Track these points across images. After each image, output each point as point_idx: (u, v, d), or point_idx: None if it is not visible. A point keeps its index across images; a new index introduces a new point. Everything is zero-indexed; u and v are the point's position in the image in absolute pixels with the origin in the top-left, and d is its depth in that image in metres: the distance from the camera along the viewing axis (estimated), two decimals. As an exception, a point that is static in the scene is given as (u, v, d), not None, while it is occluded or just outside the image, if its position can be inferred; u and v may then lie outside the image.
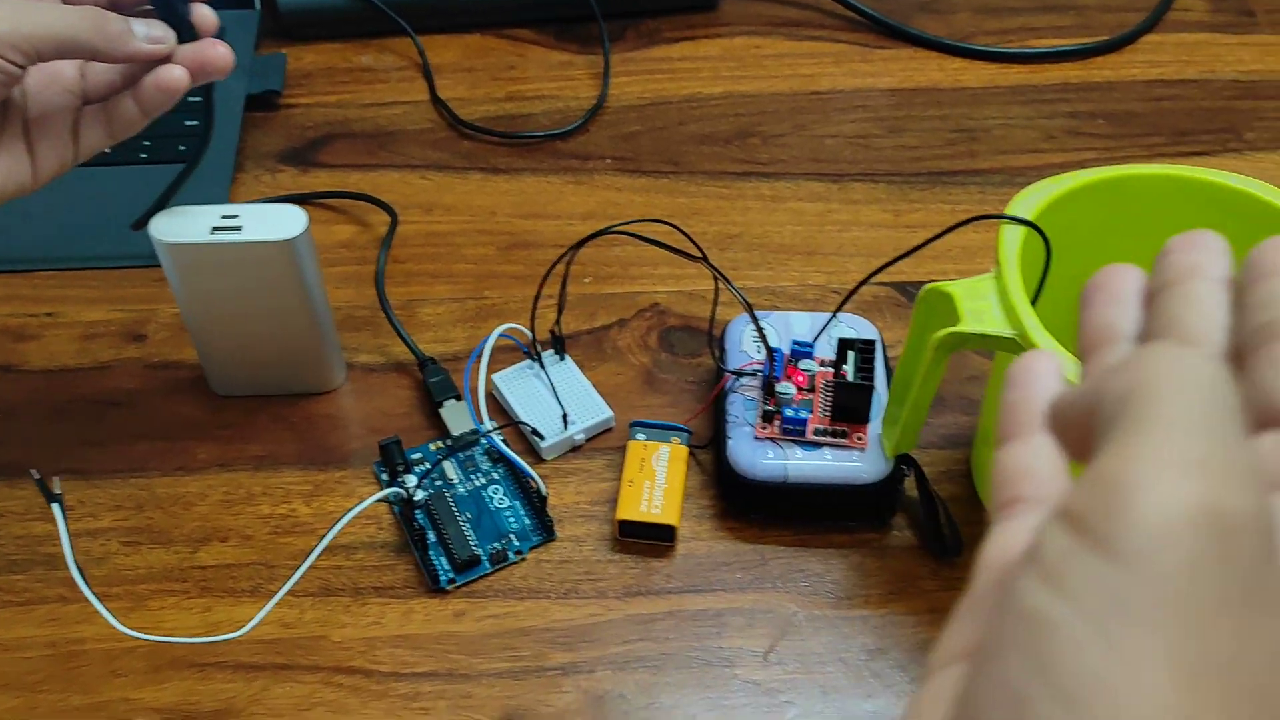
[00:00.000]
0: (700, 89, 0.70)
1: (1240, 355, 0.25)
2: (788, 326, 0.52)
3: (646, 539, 0.48)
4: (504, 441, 0.51)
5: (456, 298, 0.59)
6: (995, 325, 0.41)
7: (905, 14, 0.75)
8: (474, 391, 0.52)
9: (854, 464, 0.47)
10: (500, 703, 0.44)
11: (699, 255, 0.49)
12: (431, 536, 0.48)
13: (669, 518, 0.48)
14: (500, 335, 0.53)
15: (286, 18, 0.72)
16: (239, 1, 0.72)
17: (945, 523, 0.48)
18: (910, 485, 0.49)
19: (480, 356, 0.51)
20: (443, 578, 0.47)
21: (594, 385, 0.54)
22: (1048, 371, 0.26)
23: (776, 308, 0.58)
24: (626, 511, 0.48)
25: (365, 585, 0.47)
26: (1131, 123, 0.68)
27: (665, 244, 0.51)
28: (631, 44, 0.73)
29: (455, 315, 0.58)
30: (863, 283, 0.47)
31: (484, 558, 0.47)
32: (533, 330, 0.54)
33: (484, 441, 0.51)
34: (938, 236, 0.44)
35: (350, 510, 0.46)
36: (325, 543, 0.45)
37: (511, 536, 0.48)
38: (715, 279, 0.51)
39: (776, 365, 0.49)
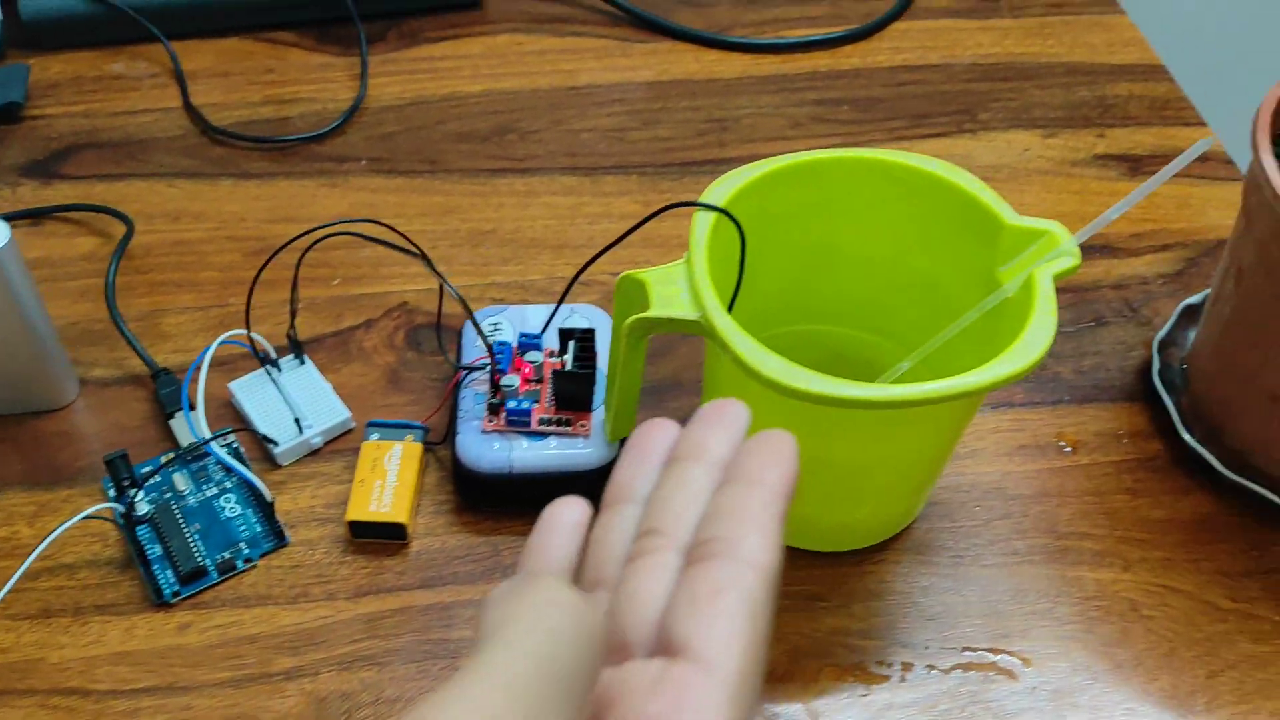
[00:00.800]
0: (460, 87, 0.71)
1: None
2: (524, 319, 0.53)
3: (379, 538, 0.49)
4: (238, 449, 0.51)
5: (201, 306, 0.58)
6: (682, 309, 0.42)
7: (666, 8, 0.77)
8: (199, 401, 0.51)
9: (578, 451, 0.49)
10: (221, 712, 0.44)
11: (417, 253, 0.49)
12: (157, 550, 0.47)
13: (398, 515, 0.48)
14: (237, 343, 0.53)
15: (32, 27, 0.70)
16: (-22, 10, 0.70)
17: (672, 503, 0.49)
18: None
19: (200, 366, 0.50)
20: (166, 591, 0.46)
21: (336, 387, 0.54)
22: (569, 523, 0.33)
23: (526, 301, 0.59)
24: (356, 512, 0.48)
25: (87, 604, 0.47)
26: (875, 108, 0.71)
27: (389, 242, 0.51)
28: (393, 44, 0.73)
29: (198, 324, 0.57)
30: (577, 276, 0.48)
31: (210, 568, 0.47)
32: (290, 334, 0.53)
33: (218, 451, 0.50)
34: (636, 227, 0.46)
35: (57, 529, 0.45)
36: (28, 563, 0.44)
37: (241, 545, 0.48)
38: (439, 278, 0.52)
39: (504, 358, 0.50)
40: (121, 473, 0.49)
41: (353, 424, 0.53)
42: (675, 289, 0.43)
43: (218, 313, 0.57)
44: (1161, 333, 0.57)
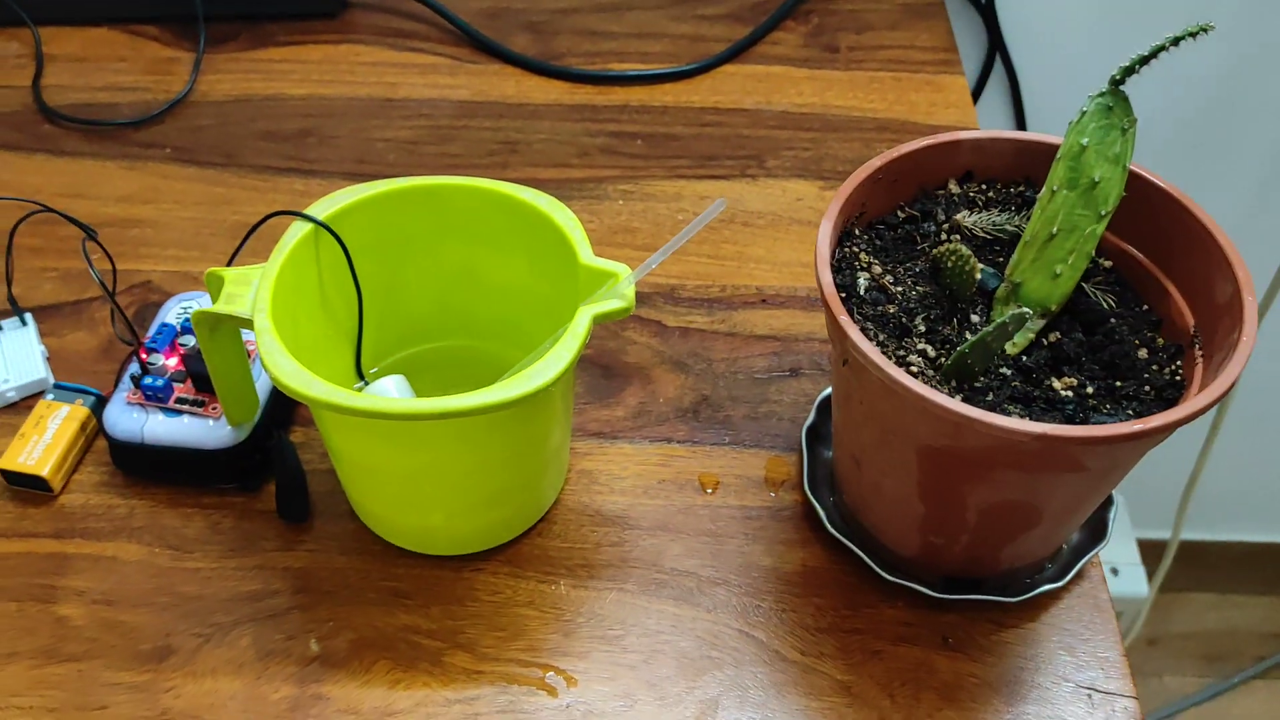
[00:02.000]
0: (285, 90, 0.76)
1: None
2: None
3: (28, 488, 0.54)
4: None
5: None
6: (240, 308, 0.46)
7: (508, 32, 0.80)
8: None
9: (206, 430, 0.53)
10: None
11: (88, 235, 0.54)
12: None
13: (40, 469, 0.53)
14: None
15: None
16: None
17: (295, 492, 0.53)
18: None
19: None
20: None
21: (55, 350, 0.59)
22: None
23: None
24: (6, 461, 0.53)
25: None
26: (666, 145, 0.73)
27: (76, 220, 0.56)
28: (242, 44, 0.79)
29: (-33, 281, 0.64)
30: (229, 260, 0.52)
31: None
32: (10, 297, 0.59)
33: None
34: (251, 231, 0.50)
35: None
36: None
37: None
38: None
39: (164, 340, 0.55)
40: None
41: (49, 384, 0.58)
42: (245, 289, 0.46)
43: (-13, 273, 0.64)
44: (826, 391, 0.57)
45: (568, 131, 0.73)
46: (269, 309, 0.45)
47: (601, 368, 0.60)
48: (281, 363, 0.43)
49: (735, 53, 0.79)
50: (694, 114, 0.75)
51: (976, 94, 0.93)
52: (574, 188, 0.70)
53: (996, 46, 0.90)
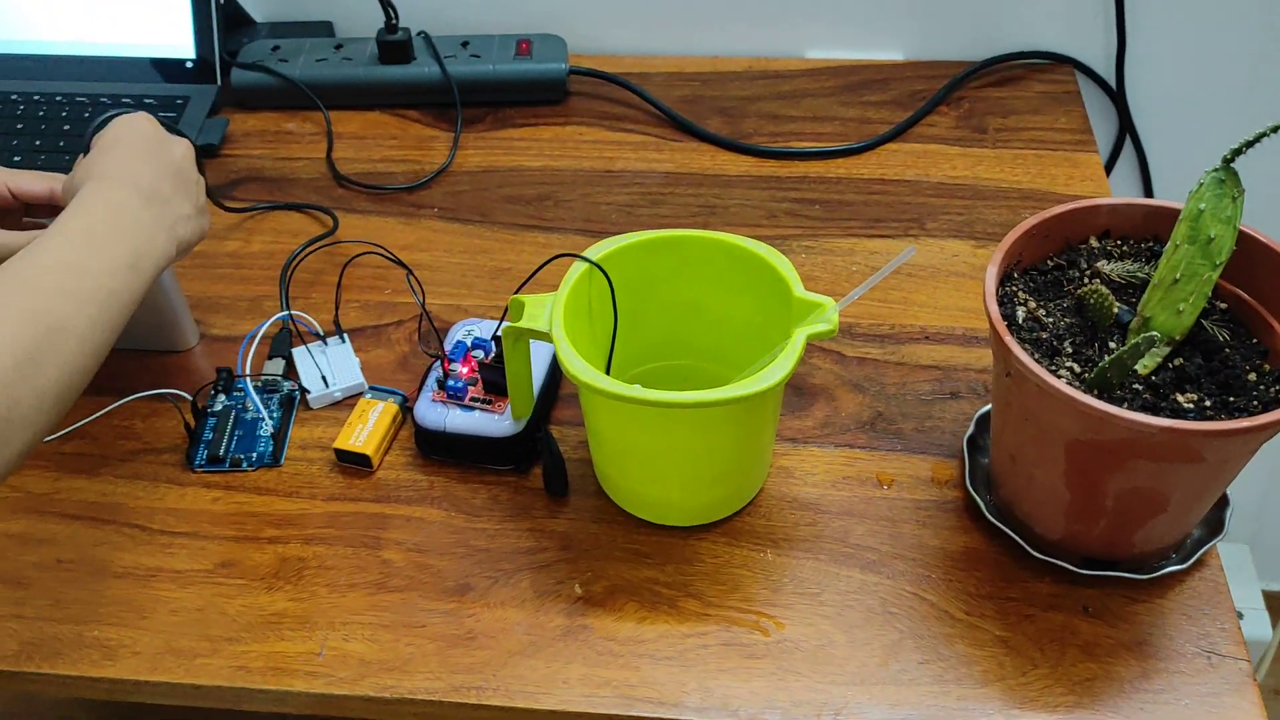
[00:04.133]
0: (524, 163, 0.92)
1: None
2: (489, 328, 0.73)
3: (354, 464, 0.70)
4: (293, 394, 0.73)
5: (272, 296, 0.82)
6: (539, 324, 0.61)
7: (704, 115, 0.96)
8: (244, 359, 0.74)
9: (493, 422, 0.68)
10: (221, 555, 0.65)
11: (407, 270, 0.70)
12: (208, 435, 0.71)
13: (366, 449, 0.69)
14: (300, 322, 0.76)
15: (238, 92, 0.98)
16: (205, 78, 0.98)
17: (557, 473, 0.67)
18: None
19: (255, 336, 0.74)
20: (195, 463, 0.69)
21: (364, 363, 0.76)
22: None
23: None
24: (340, 443, 0.69)
25: (162, 476, 0.70)
26: (840, 210, 0.86)
27: (397, 259, 0.72)
28: (488, 126, 0.96)
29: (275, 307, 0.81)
30: (517, 290, 0.68)
31: (225, 459, 0.70)
32: (335, 320, 0.76)
33: (284, 387, 0.73)
34: (537, 270, 0.65)
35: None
36: (102, 411, 0.68)
37: (254, 454, 0.70)
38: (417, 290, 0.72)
39: (459, 353, 0.70)
40: (221, 380, 0.73)
41: (365, 387, 0.74)
42: (541, 310, 0.61)
43: (302, 303, 0.81)
44: (984, 409, 0.70)
45: (757, 198, 0.88)
46: (563, 325, 0.60)
47: (794, 387, 0.74)
48: (577, 363, 0.58)
49: (897, 133, 0.93)
50: (863, 184, 0.89)
51: (1109, 169, 1.05)
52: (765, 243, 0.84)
53: (1126, 128, 1.02)
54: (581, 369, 0.57)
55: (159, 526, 0.67)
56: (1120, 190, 1.06)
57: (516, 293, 0.64)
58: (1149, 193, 1.05)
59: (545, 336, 0.61)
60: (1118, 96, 1.00)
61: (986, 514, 0.64)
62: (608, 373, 0.67)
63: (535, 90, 0.97)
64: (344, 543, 0.66)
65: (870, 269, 0.81)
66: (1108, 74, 0.99)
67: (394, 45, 0.96)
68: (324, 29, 1.05)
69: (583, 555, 0.65)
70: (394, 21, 0.96)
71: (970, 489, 0.66)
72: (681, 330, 0.69)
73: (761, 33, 1.02)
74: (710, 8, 1.01)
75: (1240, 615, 1.28)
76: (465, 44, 0.98)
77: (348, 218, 0.88)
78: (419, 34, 0.99)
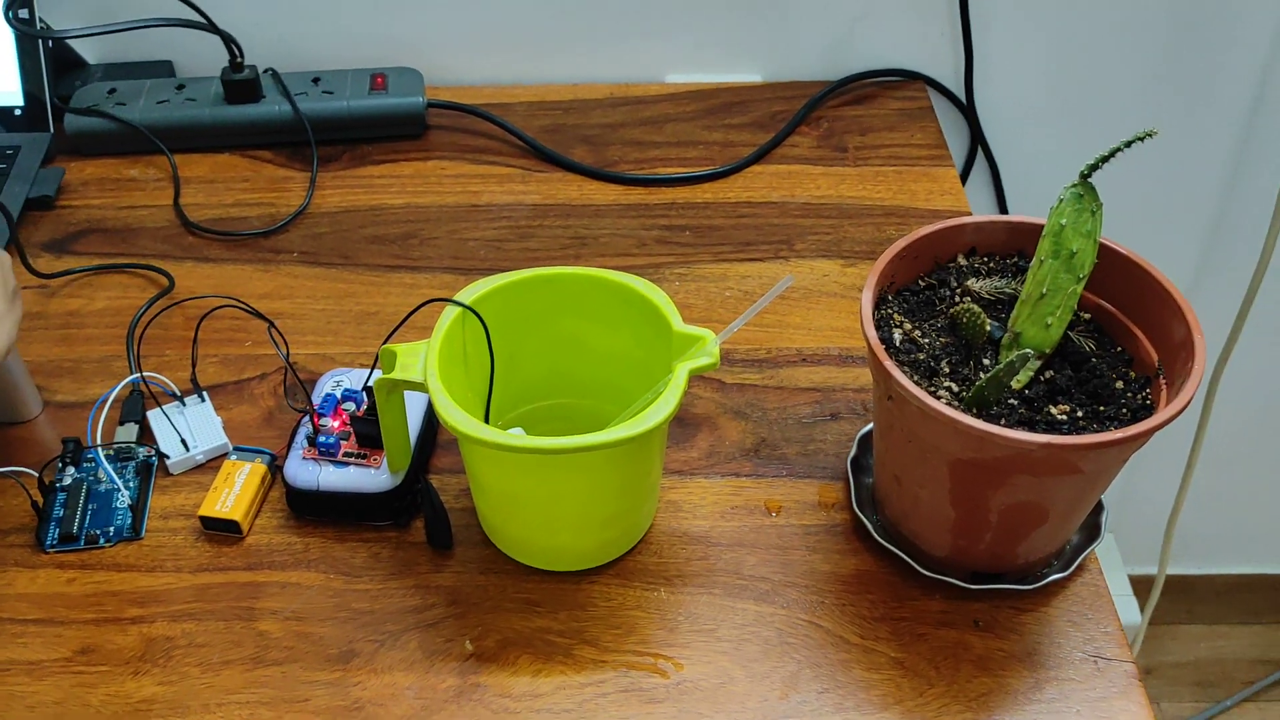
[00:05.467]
0: (386, 200, 0.89)
1: None
2: (359, 378, 0.70)
3: (222, 531, 0.66)
4: (150, 461, 0.69)
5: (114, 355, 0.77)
6: (414, 375, 0.59)
7: (568, 144, 0.94)
8: (94, 427, 0.70)
9: (369, 478, 0.65)
10: (80, 642, 0.61)
11: (269, 324, 0.67)
12: (59, 513, 0.66)
13: (234, 515, 0.65)
14: (156, 384, 0.72)
15: (73, 139, 0.92)
16: (37, 125, 0.93)
17: (440, 525, 0.65)
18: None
19: (106, 401, 0.70)
20: (46, 543, 0.64)
21: (226, 421, 0.72)
22: None
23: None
24: (205, 510, 0.65)
25: (9, 559, 0.65)
26: (711, 235, 0.86)
27: (260, 314, 0.69)
28: (345, 164, 0.93)
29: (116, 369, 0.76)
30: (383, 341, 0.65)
31: (80, 536, 0.65)
32: (193, 379, 0.72)
33: (140, 454, 0.69)
34: (407, 316, 0.62)
35: (-10, 499, 0.63)
36: (-37, 520, 0.62)
37: (110, 529, 0.66)
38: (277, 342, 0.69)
39: (329, 406, 0.67)
40: (68, 451, 0.68)
41: (229, 448, 0.70)
42: (415, 359, 0.59)
43: (155, 362, 0.76)
44: (865, 429, 0.70)
45: (627, 227, 0.87)
46: (438, 373, 0.58)
47: (677, 419, 0.73)
48: (455, 413, 0.56)
49: (760, 155, 0.93)
50: (731, 207, 0.89)
51: (963, 181, 1.08)
52: (637, 273, 0.83)
53: (978, 140, 1.05)
54: (461, 420, 0.55)
55: (9, 615, 0.62)
56: (974, 201, 1.09)
57: (386, 342, 0.62)
58: (1001, 202, 1.09)
59: (420, 387, 0.58)
60: (968, 110, 1.03)
61: (874, 535, 0.65)
62: (486, 417, 0.65)
63: (393, 125, 0.94)
64: (215, 617, 0.62)
65: (743, 294, 0.81)
66: (957, 89, 1.02)
67: (240, 84, 0.92)
68: (164, 69, 1.00)
69: (472, 609, 0.63)
70: (239, 59, 0.92)
71: (857, 510, 0.66)
72: (562, 368, 0.68)
73: (621, 59, 1.02)
74: (568, 35, 1.00)
75: (1111, 602, 1.32)
76: (316, 80, 0.95)
77: (200, 267, 0.84)
78: (266, 71, 0.95)
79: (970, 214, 0.88)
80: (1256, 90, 1.03)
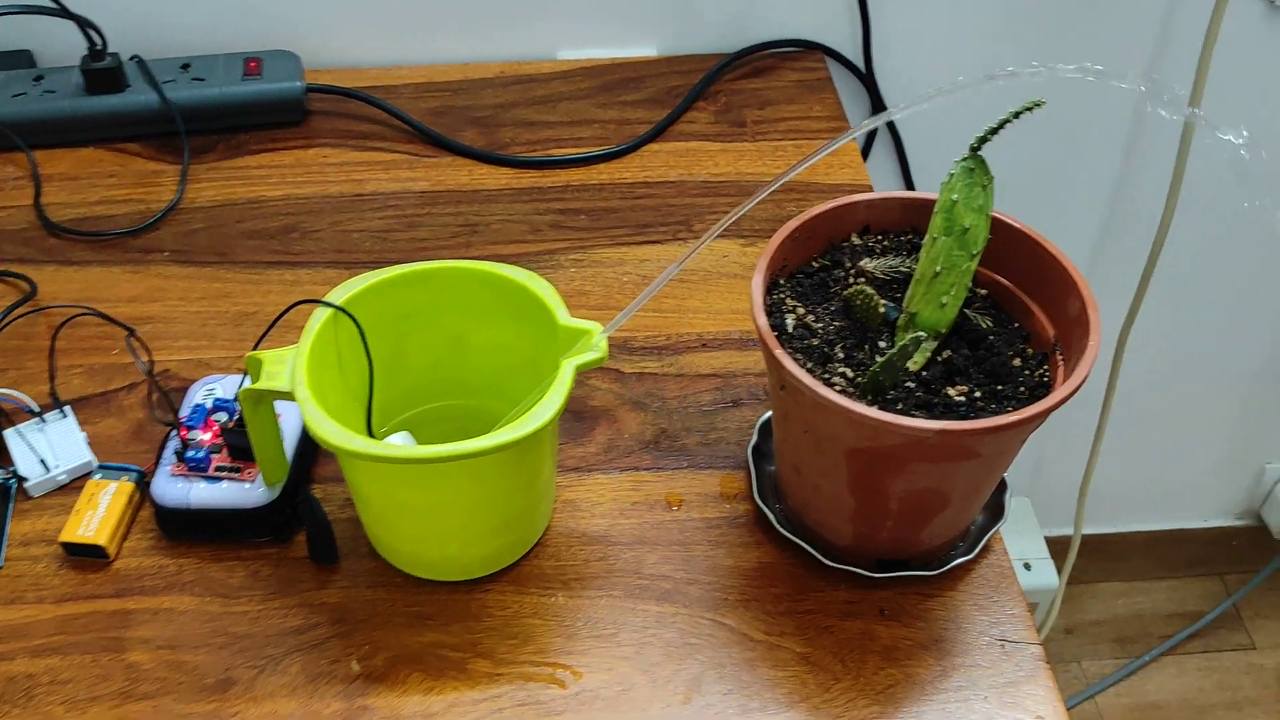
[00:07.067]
0: (264, 193, 0.85)
1: None
2: (232, 386, 0.66)
3: (87, 556, 0.62)
4: (9, 485, 0.64)
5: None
6: (281, 384, 0.55)
7: (457, 127, 0.91)
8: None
9: (244, 491, 0.61)
10: (-70, 682, 0.57)
11: (128, 332, 0.63)
12: (-90, 557, 0.61)
13: (99, 539, 0.61)
14: (5, 398, 0.67)
15: (-76, 135, 0.86)
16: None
17: (323, 538, 0.62)
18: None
19: (-39, 415, 0.64)
20: (-91, 588, 0.60)
21: (92, 436, 0.67)
22: None
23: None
24: (67, 535, 0.61)
25: None
26: (607, 218, 0.83)
27: (118, 321, 0.64)
28: (220, 155, 0.88)
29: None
30: (255, 344, 0.61)
31: (-57, 572, 0.60)
32: (52, 392, 0.67)
33: (-11, 483, 0.64)
34: (276, 320, 0.59)
35: None
36: None
37: (-23, 557, 0.61)
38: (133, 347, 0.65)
39: (198, 418, 0.63)
40: None
41: (94, 466, 0.66)
42: (281, 366, 0.55)
43: (14, 374, 0.71)
44: (766, 415, 0.68)
45: (520, 212, 0.84)
46: (306, 382, 0.54)
47: (573, 412, 0.70)
48: (325, 425, 0.52)
49: (657, 132, 0.90)
50: (627, 189, 0.86)
51: (865, 154, 1.06)
52: (531, 260, 0.80)
53: (879, 111, 1.03)
54: (332, 431, 0.52)
55: None
56: (879, 174, 1.08)
57: (256, 347, 0.58)
58: (907, 174, 1.07)
59: (288, 396, 0.55)
60: (868, 79, 1.01)
61: (777, 526, 0.63)
62: (369, 424, 0.62)
63: (269, 112, 0.89)
64: (80, 650, 0.58)
65: (641, 278, 0.78)
66: (856, 58, 1.00)
67: (102, 73, 0.86)
68: (22, 59, 0.93)
69: (358, 627, 0.60)
70: (100, 47, 0.86)
71: (758, 501, 0.64)
72: (449, 367, 0.64)
73: (512, 35, 0.98)
74: (456, 12, 0.96)
75: (1028, 567, 1.34)
76: (186, 66, 0.90)
77: (64, 271, 0.78)
78: (131, 58, 0.90)
79: (871, 188, 0.87)
80: (1151, 57, 1.03)
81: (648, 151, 0.89)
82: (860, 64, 1.00)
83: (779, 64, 0.98)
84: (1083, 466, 1.27)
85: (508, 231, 0.82)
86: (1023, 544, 1.35)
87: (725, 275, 0.79)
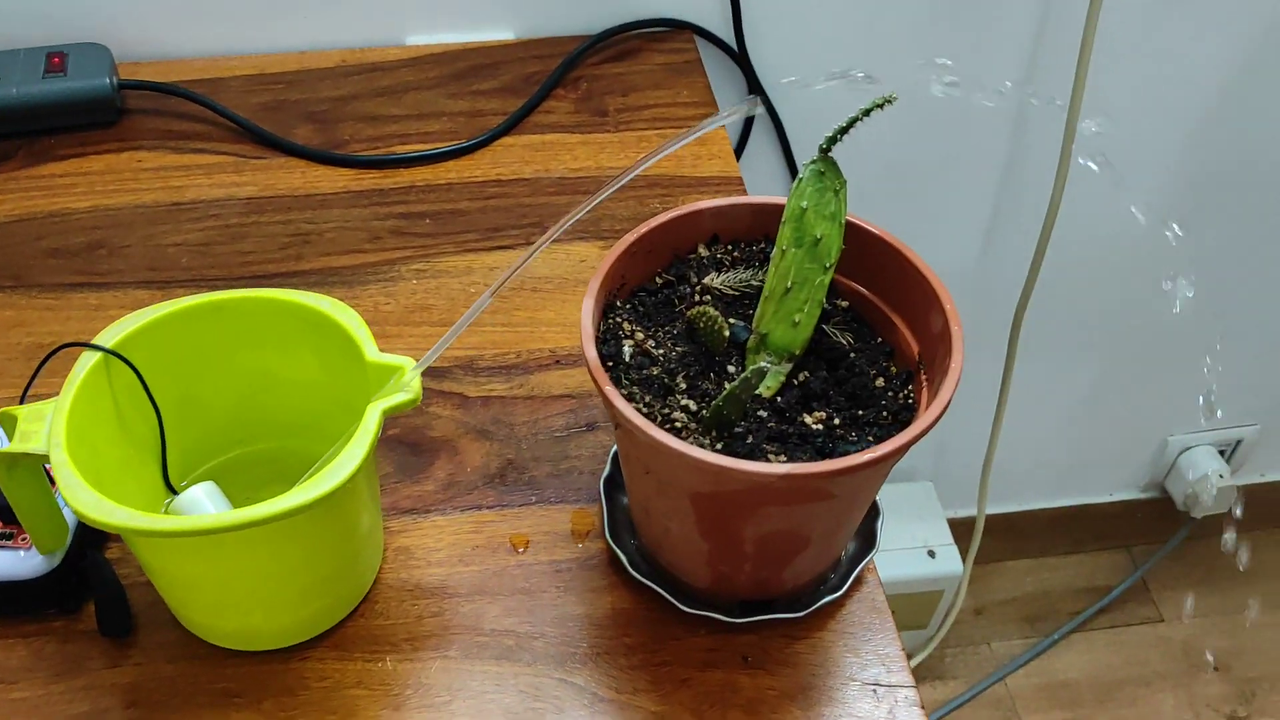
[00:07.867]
0: (69, 204, 0.76)
1: None
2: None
3: None
4: None
5: None
6: (36, 445, 0.47)
7: (290, 124, 0.83)
8: None
9: (17, 561, 0.53)
10: None
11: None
12: None
13: None
14: None
15: None
16: None
17: (115, 607, 0.54)
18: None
19: None
20: None
21: None
22: None
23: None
24: None
25: None
26: (454, 221, 0.76)
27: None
28: (20, 162, 0.79)
29: None
30: (22, 395, 0.53)
31: None
32: None
33: None
34: (39, 368, 0.51)
35: None
36: None
37: None
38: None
39: (-35, 477, 0.56)
40: None
41: None
42: (39, 424, 0.48)
43: None
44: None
45: (358, 217, 0.76)
46: (64, 443, 0.47)
47: (409, 445, 0.64)
48: (82, 495, 0.45)
49: (511, 125, 0.83)
50: (478, 188, 0.79)
51: (745, 138, 1.00)
52: (368, 272, 0.73)
53: (755, 92, 0.97)
54: (86, 500, 0.45)
55: None
56: (760, 165, 1.02)
57: (23, 399, 0.51)
58: (791, 164, 1.01)
59: (45, 459, 0.47)
60: (741, 59, 0.95)
61: (630, 569, 0.57)
62: (166, 478, 0.55)
63: (76, 113, 0.80)
64: None
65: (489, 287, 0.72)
66: (727, 36, 0.94)
67: (-122, 74, 0.77)
68: None
69: (157, 709, 0.53)
70: (-126, 44, 0.77)
71: (609, 541, 0.58)
72: (257, 407, 0.57)
73: (354, 20, 0.90)
74: (289, -5, 0.88)
75: (932, 555, 1.30)
76: (-20, 63, 0.80)
77: None
78: (-83, 55, 0.80)
79: (741, 181, 0.81)
80: (1031, 48, 0.98)
81: (501, 146, 0.82)
82: (732, 43, 0.94)
83: (645, 45, 0.91)
84: (984, 446, 1.24)
85: (344, 240, 0.75)
86: (925, 530, 1.32)
87: (583, 282, 0.73)
